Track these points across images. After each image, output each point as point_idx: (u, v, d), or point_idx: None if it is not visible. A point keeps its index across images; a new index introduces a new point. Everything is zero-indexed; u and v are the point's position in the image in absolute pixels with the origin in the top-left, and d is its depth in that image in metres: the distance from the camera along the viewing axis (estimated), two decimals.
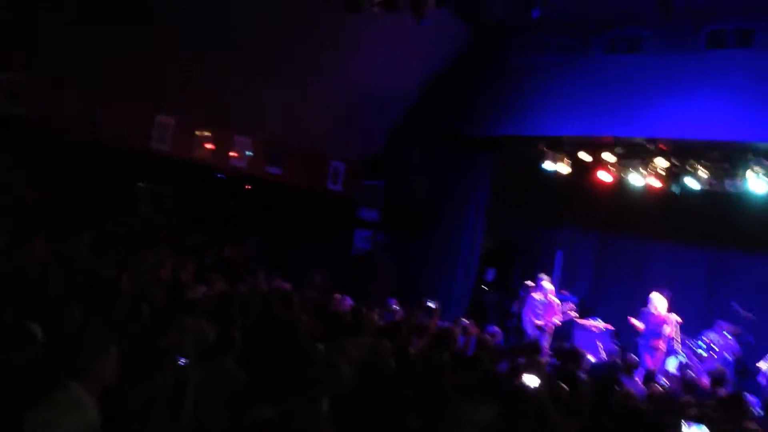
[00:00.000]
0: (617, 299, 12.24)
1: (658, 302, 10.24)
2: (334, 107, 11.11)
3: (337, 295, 8.54)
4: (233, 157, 10.76)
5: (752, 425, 5.80)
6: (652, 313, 10.21)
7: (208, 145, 10.43)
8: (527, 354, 7.22)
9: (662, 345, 10.11)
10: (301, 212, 12.24)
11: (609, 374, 6.74)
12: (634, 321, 10.35)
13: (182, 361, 3.74)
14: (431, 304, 9.71)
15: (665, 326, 10.12)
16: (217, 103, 9.96)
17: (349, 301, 8.40)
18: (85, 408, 3.07)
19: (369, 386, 4.39)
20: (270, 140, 11.15)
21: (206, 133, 10.39)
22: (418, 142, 12.14)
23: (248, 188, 12.45)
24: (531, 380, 5.41)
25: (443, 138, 11.96)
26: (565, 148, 11.14)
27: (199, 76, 9.49)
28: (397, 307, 9.05)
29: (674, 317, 10.19)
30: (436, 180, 12.16)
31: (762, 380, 9.28)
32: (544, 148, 11.20)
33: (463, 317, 9.62)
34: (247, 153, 10.88)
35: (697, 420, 4.46)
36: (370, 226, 12.66)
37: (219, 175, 11.57)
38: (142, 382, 3.64)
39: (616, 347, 10.77)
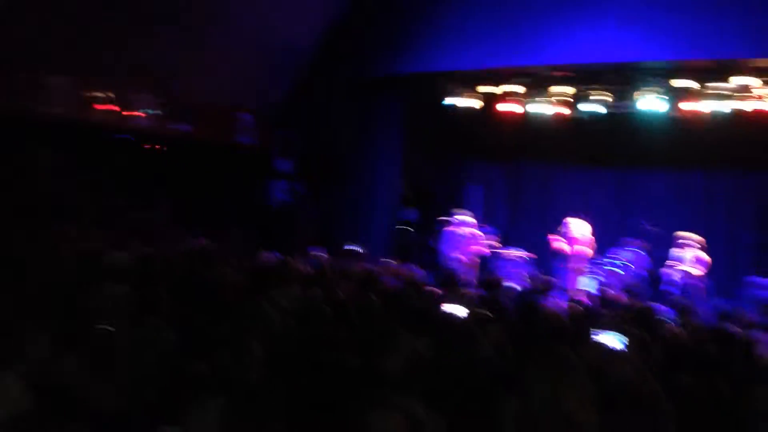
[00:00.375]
0: (534, 227, 12.66)
1: (575, 225, 10.65)
2: (237, 57, 10.79)
3: (262, 248, 8.47)
4: (136, 116, 10.35)
5: (664, 332, 6.20)
6: (570, 236, 10.62)
7: (108, 105, 9.98)
8: (450, 287, 7.40)
9: (580, 266, 10.58)
10: (214, 168, 11.95)
11: (531, 298, 7.01)
12: (557, 243, 10.71)
13: (106, 327, 3.65)
14: (355, 249, 9.77)
15: (582, 247, 10.56)
16: (115, 59, 9.49)
17: (273, 253, 8.35)
18: (10, 394, 2.96)
19: (305, 333, 4.42)
20: (174, 96, 10.76)
21: (105, 93, 9.92)
22: (327, 88, 12.00)
23: (156, 148, 12.04)
24: (457, 311, 5.58)
25: (351, 82, 11.86)
26: (469, 82, 11.26)
27: (93, 32, 8.98)
28: (322, 255, 9.06)
29: (589, 237, 10.64)
30: (349, 125, 12.10)
31: (669, 287, 9.91)
32: (449, 84, 11.29)
33: (387, 258, 9.74)
34: (151, 111, 10.48)
35: (610, 328, 4.72)
36: (287, 177, 12.53)
37: (124, 137, 11.11)
38: (68, 355, 3.53)
39: (536, 272, 11.17)
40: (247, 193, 12.23)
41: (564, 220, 10.79)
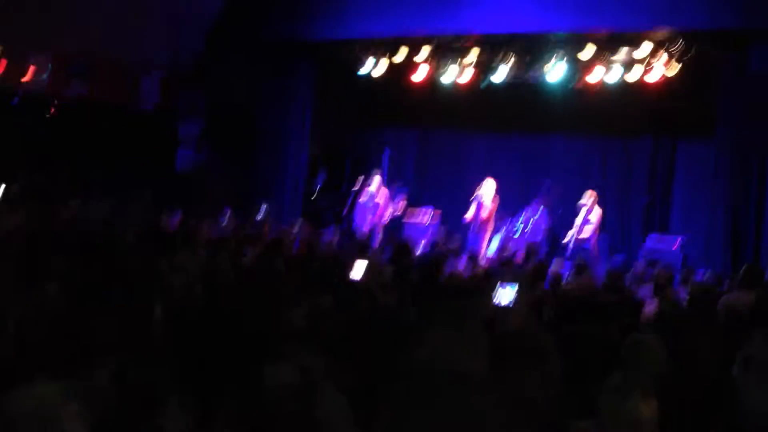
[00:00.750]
0: (443, 191, 12.90)
1: (482, 189, 10.90)
2: (142, 13, 10.35)
3: (167, 213, 8.32)
4: (28, 76, 9.82)
5: (559, 287, 6.55)
6: (477, 200, 10.87)
7: None
8: (358, 250, 7.51)
9: (486, 228, 10.89)
10: (116, 131, 11.50)
11: (435, 260, 7.19)
12: (467, 207, 10.93)
13: None
14: (262, 214, 9.71)
15: (488, 210, 10.85)
16: (4, 14, 8.94)
17: (178, 217, 8.22)
18: None
19: (208, 297, 4.42)
20: (71, 54, 10.25)
21: None
22: (236, 49, 11.74)
23: (53, 111, 11.48)
24: (358, 272, 5.71)
25: (262, 45, 11.67)
26: (380, 49, 11.29)
27: None
28: (229, 219, 8.98)
29: (495, 200, 10.94)
30: (259, 87, 11.91)
31: (567, 246, 10.40)
32: (361, 51, 11.29)
33: (296, 222, 9.74)
34: (46, 71, 9.97)
35: (507, 286, 4.92)
36: (194, 140, 12.22)
37: (14, 99, 10.54)
38: None
39: (443, 235, 11.42)
40: (152, 156, 11.86)
41: (472, 185, 11.04)
